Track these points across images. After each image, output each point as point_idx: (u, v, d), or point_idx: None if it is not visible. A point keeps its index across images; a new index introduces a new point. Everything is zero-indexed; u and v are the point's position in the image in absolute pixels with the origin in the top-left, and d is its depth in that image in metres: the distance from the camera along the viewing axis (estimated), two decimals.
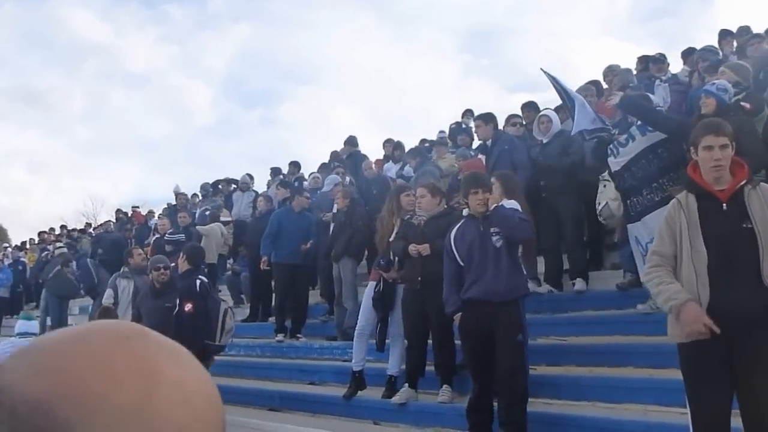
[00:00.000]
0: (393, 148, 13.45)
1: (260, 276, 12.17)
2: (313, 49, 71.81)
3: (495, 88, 70.01)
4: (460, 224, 6.58)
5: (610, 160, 7.34)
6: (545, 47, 60.67)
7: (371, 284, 8.18)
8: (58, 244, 18.78)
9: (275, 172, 16.86)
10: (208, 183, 18.88)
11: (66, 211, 66.13)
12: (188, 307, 7.60)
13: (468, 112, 14.38)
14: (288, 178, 16.04)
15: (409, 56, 71.14)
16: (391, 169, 12.70)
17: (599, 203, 7.67)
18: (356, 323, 9.93)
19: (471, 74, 69.32)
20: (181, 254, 8.11)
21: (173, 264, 9.65)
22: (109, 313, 9.59)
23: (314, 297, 11.62)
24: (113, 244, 19.47)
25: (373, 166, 12.06)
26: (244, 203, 16.24)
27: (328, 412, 8.37)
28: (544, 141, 8.91)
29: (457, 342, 7.27)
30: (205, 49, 69.24)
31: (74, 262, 17.51)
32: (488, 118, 9.25)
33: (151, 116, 68.01)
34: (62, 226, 24.94)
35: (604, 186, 7.61)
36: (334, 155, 15.40)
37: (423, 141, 14.19)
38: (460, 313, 6.36)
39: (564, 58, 58.04)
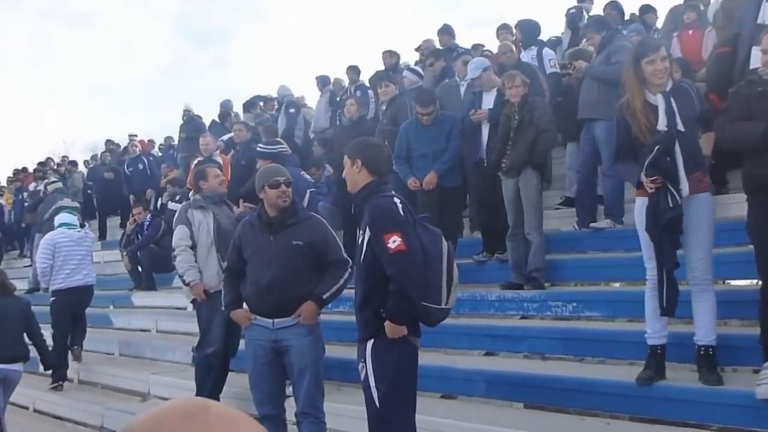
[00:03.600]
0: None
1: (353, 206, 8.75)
2: None
3: (456, 23, 65.88)
4: None
5: None
6: None
7: (641, 202, 4.86)
8: (52, 179, 14.97)
9: (323, 81, 13.29)
10: (228, 100, 15.20)
11: (32, 155, 61.12)
12: (395, 243, 4.14)
13: None
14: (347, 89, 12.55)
15: None
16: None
17: None
18: (543, 263, 6.76)
19: (432, 7, 65.10)
20: (351, 159, 4.55)
21: None
22: None
23: None
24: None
25: (514, 48, 8.53)
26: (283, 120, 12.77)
27: (579, 404, 5.10)
28: None
29: None
30: None
31: None
32: None
33: (101, 57, 62.77)
34: (40, 163, 20.83)
35: None
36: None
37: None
38: None
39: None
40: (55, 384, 9.01)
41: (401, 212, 4.26)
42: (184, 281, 6.66)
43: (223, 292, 5.46)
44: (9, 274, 16.79)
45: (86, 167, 19.51)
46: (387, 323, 4.16)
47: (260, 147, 7.15)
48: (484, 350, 6.36)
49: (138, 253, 11.72)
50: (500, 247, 7.34)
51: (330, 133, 12.24)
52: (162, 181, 15.33)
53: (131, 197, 15.24)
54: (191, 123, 15.08)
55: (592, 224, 7.06)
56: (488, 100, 7.59)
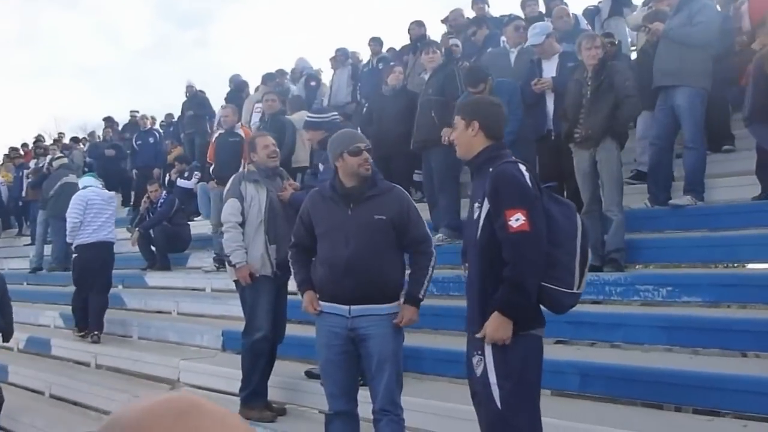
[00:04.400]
0: None
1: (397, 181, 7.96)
2: None
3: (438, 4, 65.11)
4: None
5: None
6: None
7: None
8: (58, 154, 14.05)
9: (344, 53, 12.44)
10: (238, 75, 14.28)
11: (22, 134, 59.81)
12: (518, 221, 3.40)
13: None
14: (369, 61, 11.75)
15: None
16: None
17: None
18: (624, 243, 6.07)
19: None
20: (466, 120, 3.75)
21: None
22: None
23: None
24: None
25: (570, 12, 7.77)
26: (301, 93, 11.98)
27: (700, 402, 4.39)
28: None
29: None
30: None
31: None
32: None
33: (86, 39, 61.47)
34: (36, 141, 19.73)
35: None
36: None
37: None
38: None
39: None
40: (84, 334, 8.98)
41: (529, 182, 3.53)
42: (229, 261, 5.90)
43: (293, 270, 4.72)
44: (8, 254, 16.13)
45: (83, 145, 18.61)
46: (494, 316, 3.44)
47: (309, 117, 6.32)
48: (565, 338, 5.63)
49: (151, 231, 10.89)
50: None
51: (352, 108, 11.50)
52: (169, 158, 14.60)
53: (134, 172, 14.47)
54: (194, 99, 14.32)
55: (671, 201, 6.36)
56: (549, 68, 6.86)
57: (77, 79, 64.77)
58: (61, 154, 14.14)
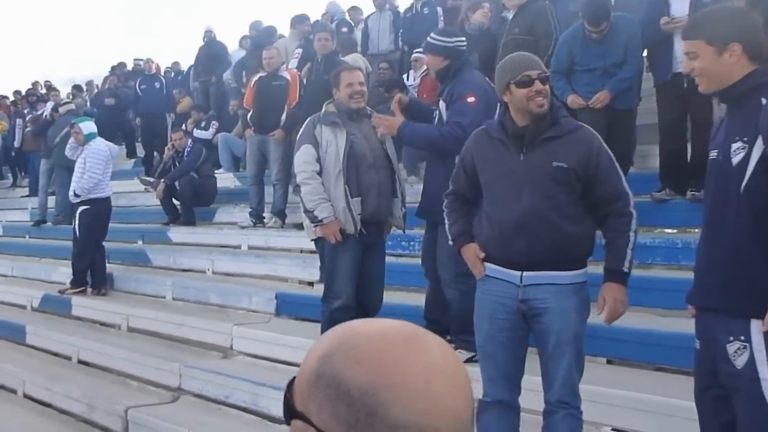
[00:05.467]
0: None
1: None
2: None
3: None
4: None
5: None
6: None
7: None
8: (65, 100, 12.78)
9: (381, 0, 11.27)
10: (260, 22, 13.06)
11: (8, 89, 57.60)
12: None
13: None
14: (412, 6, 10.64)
15: None
16: None
17: None
18: None
19: None
20: (718, 46, 2.62)
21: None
22: None
23: None
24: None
25: None
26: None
27: None
28: None
29: None
30: None
31: None
32: None
33: None
34: (33, 85, 18.26)
35: None
36: None
37: None
38: None
39: None
40: (82, 290, 8.57)
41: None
42: (314, 217, 4.88)
43: (447, 221, 3.70)
44: (4, 205, 14.86)
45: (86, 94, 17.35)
46: None
47: (432, 38, 5.12)
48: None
49: (176, 183, 9.76)
50: (691, 183, 5.68)
51: (396, 56, 10.43)
52: (179, 108, 13.49)
53: (137, 120, 13.33)
54: (212, 46, 13.12)
55: None
56: (680, 6, 5.83)
57: (58, 36, 62.48)
58: (68, 100, 12.86)
